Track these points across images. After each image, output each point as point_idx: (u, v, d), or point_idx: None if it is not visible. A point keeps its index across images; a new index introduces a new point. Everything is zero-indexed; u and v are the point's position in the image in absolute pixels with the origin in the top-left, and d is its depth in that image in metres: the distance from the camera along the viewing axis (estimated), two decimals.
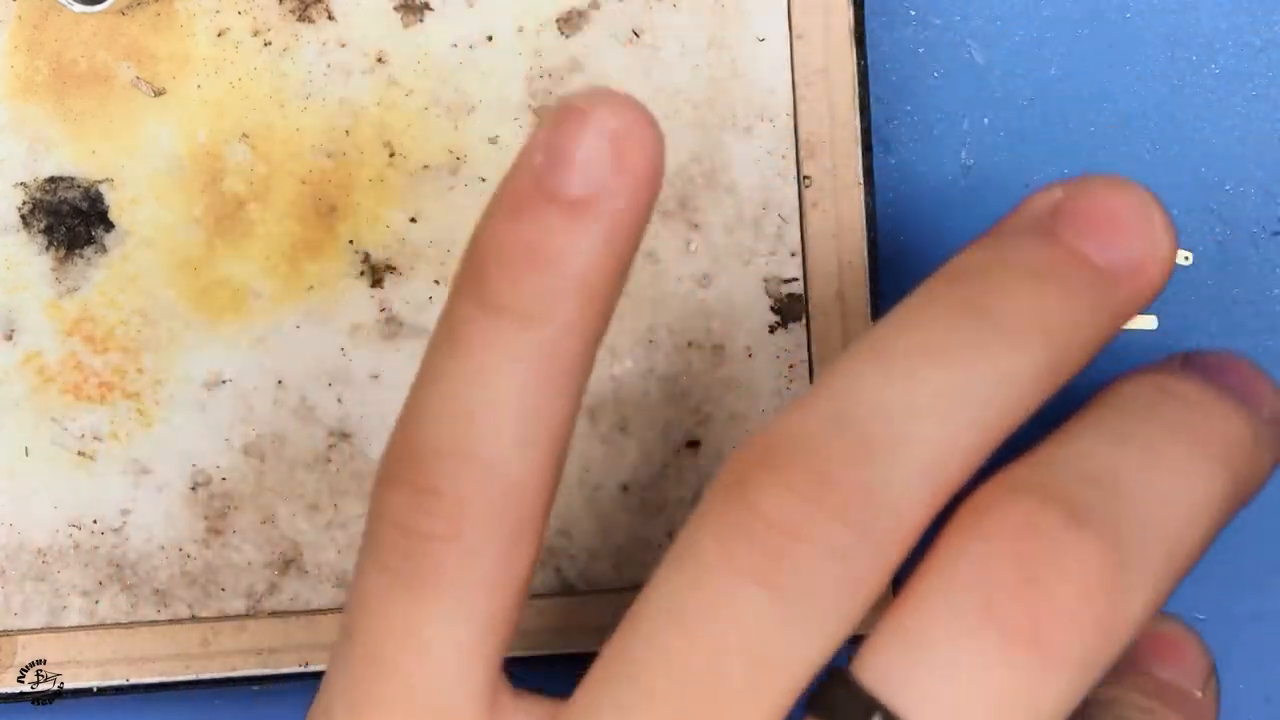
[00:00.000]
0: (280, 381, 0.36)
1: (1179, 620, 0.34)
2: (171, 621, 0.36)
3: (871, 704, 0.25)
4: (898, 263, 0.38)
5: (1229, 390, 0.28)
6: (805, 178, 0.36)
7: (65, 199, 0.36)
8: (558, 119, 0.27)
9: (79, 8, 0.35)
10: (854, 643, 0.26)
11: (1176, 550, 0.27)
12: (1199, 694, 0.33)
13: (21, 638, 0.36)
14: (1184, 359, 0.29)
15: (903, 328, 0.27)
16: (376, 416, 0.36)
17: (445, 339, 0.28)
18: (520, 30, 0.36)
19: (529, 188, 0.27)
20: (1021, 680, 0.25)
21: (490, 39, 0.36)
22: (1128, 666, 0.34)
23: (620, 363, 0.36)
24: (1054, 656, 0.25)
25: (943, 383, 0.26)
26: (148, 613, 0.36)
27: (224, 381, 0.36)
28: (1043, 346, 0.27)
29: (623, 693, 0.26)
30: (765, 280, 0.36)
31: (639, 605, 0.26)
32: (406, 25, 0.36)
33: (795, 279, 0.36)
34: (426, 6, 0.36)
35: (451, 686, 0.27)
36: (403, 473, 0.27)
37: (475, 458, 0.27)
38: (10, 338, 0.36)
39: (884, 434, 0.26)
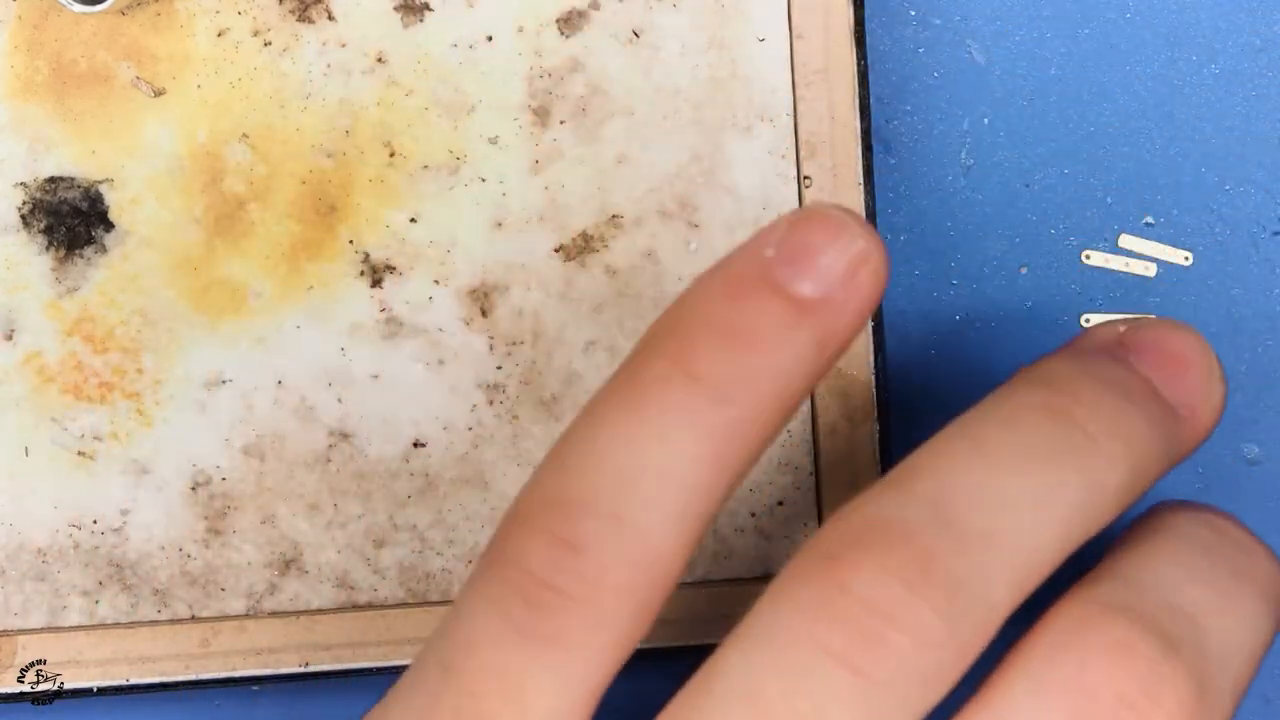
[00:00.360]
0: (280, 381, 0.36)
1: None
2: (171, 621, 0.36)
3: None
4: (898, 263, 0.38)
5: (1263, 542, 0.30)
6: (805, 178, 0.36)
7: (65, 199, 0.36)
8: (803, 221, 0.27)
9: (79, 8, 0.35)
10: None
11: (1239, 685, 0.28)
12: None
13: (21, 638, 0.36)
14: (1200, 507, 0.30)
15: (1000, 425, 0.27)
16: (376, 416, 0.36)
17: (626, 390, 0.27)
18: (520, 30, 0.36)
19: (756, 274, 0.27)
20: None
21: (490, 39, 0.36)
22: None
23: (620, 362, 0.36)
24: None
25: (1038, 483, 0.27)
26: (148, 613, 0.36)
27: (224, 381, 0.36)
28: (1128, 462, 0.28)
29: None
30: None
31: (713, 670, 0.26)
32: (406, 25, 0.36)
33: None
34: (426, 6, 0.36)
35: None
36: (548, 519, 0.26)
37: (629, 523, 0.26)
38: (10, 338, 0.36)
39: (978, 525, 0.26)
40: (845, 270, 0.27)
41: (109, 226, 0.36)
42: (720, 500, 0.27)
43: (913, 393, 0.38)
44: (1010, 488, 0.26)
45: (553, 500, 0.26)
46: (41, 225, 0.36)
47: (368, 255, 0.36)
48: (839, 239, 0.27)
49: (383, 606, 0.36)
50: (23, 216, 0.36)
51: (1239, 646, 0.28)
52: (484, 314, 0.36)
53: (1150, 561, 0.28)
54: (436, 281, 0.36)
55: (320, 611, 0.36)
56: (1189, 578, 0.28)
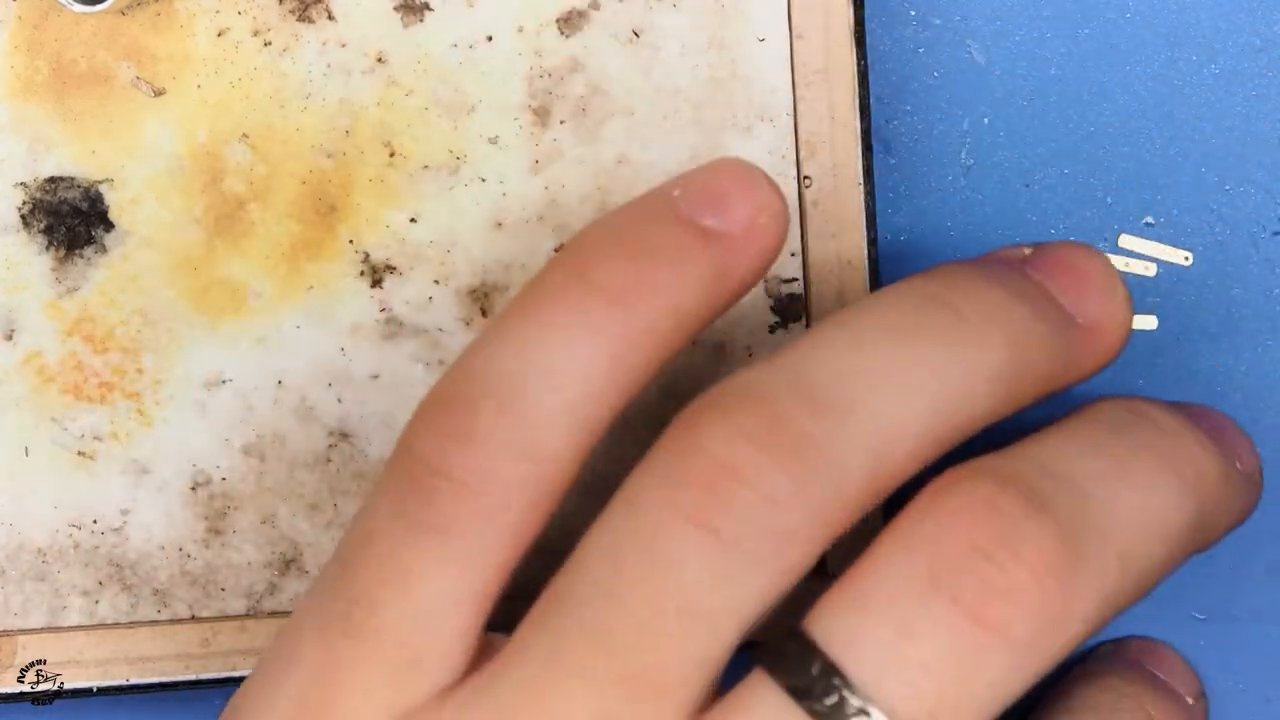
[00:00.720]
0: (280, 381, 0.36)
1: (1169, 646, 0.35)
2: (171, 621, 0.36)
3: (818, 658, 0.26)
4: (898, 263, 0.38)
5: (1201, 428, 0.29)
6: (805, 178, 0.36)
7: (65, 199, 0.36)
8: (711, 169, 0.28)
9: (79, 8, 0.36)
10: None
11: (1134, 561, 0.27)
12: (1190, 701, 0.33)
13: (21, 638, 0.36)
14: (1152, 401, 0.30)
15: (872, 308, 0.28)
16: (376, 416, 0.36)
17: (526, 300, 0.28)
18: (520, 30, 0.36)
19: (662, 205, 0.28)
20: (963, 651, 0.25)
21: (490, 39, 0.36)
22: (1119, 658, 0.34)
23: None
24: (999, 632, 0.26)
25: (902, 358, 0.27)
26: (148, 613, 0.36)
27: (224, 381, 0.36)
28: (1004, 350, 0.28)
29: (556, 632, 0.26)
30: (765, 280, 0.36)
31: (582, 544, 0.27)
32: (406, 25, 0.36)
33: (795, 279, 0.36)
34: (426, 6, 0.36)
35: (428, 639, 0.27)
36: (444, 414, 0.27)
37: (519, 417, 0.27)
38: (10, 338, 0.36)
39: (837, 396, 0.26)
40: (748, 214, 0.28)
41: (109, 226, 0.36)
42: (612, 407, 0.28)
43: None
44: (872, 361, 0.27)
45: (448, 398, 0.27)
46: (41, 225, 0.36)
47: (368, 255, 0.36)
48: (744, 186, 0.28)
49: None
50: (23, 216, 0.36)
51: (1137, 516, 0.27)
52: (484, 314, 0.36)
53: (1045, 437, 0.28)
54: (436, 281, 0.36)
55: None
56: (1084, 450, 0.28)
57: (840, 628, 0.26)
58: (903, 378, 0.27)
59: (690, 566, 0.25)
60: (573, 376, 0.27)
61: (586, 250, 0.28)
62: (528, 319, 0.28)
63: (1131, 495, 0.27)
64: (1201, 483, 0.28)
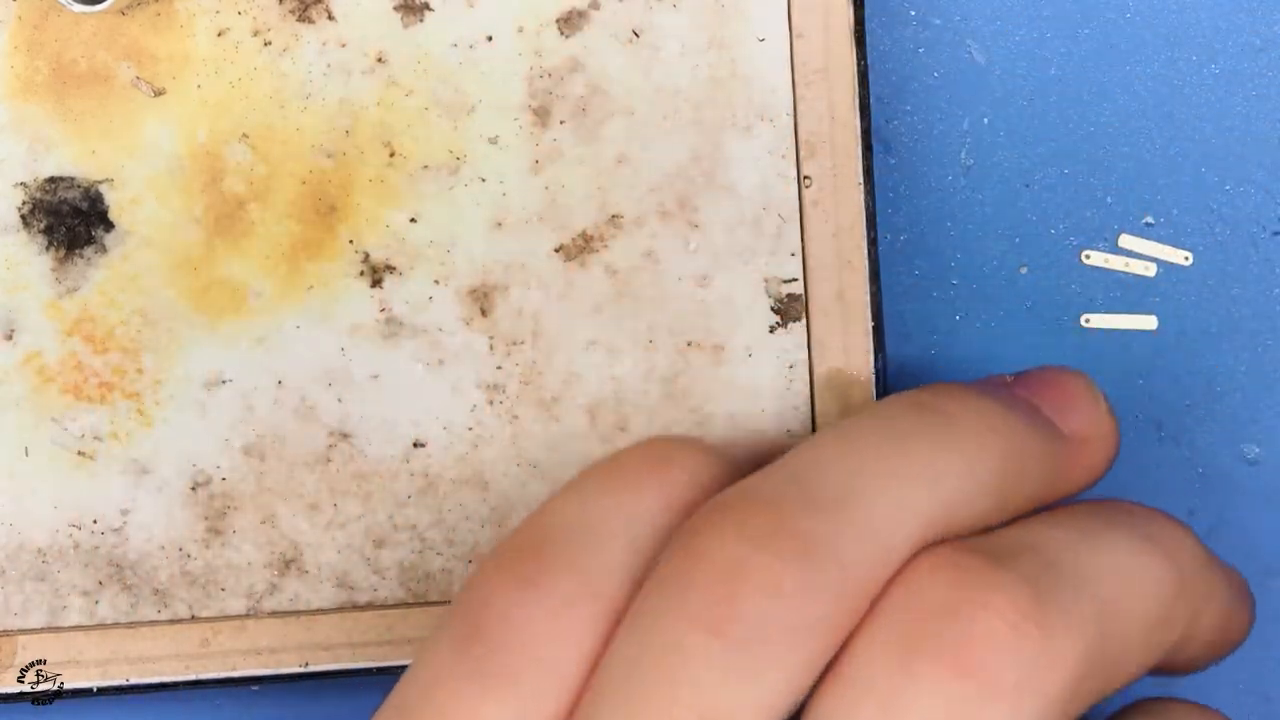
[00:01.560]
0: (280, 381, 0.36)
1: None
2: (171, 621, 0.36)
3: None
4: (898, 263, 0.38)
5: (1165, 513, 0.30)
6: (805, 178, 0.36)
7: (65, 199, 0.36)
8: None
9: (79, 8, 0.35)
10: None
11: (1114, 616, 0.27)
12: None
13: (21, 638, 0.36)
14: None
15: (866, 415, 0.29)
16: (376, 416, 0.36)
17: (612, 471, 0.29)
18: (520, 30, 0.36)
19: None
20: (956, 705, 0.26)
21: (490, 39, 0.36)
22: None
23: (620, 363, 0.36)
24: (988, 680, 0.26)
25: (894, 457, 0.28)
26: (148, 613, 0.36)
27: (224, 381, 0.36)
28: (995, 453, 0.29)
29: None
30: (765, 280, 0.36)
31: (602, 663, 0.27)
32: (406, 25, 0.36)
33: (795, 279, 0.36)
34: (426, 6, 0.36)
35: None
36: (517, 561, 0.27)
37: (587, 570, 0.27)
38: (10, 338, 0.36)
39: (833, 494, 0.27)
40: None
41: (109, 226, 0.36)
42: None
43: None
44: (865, 460, 0.27)
45: (524, 544, 0.28)
46: (41, 225, 0.36)
47: (368, 255, 0.36)
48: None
49: (383, 606, 0.36)
50: (23, 216, 0.36)
51: (1111, 573, 0.28)
52: (484, 314, 0.36)
53: (1018, 522, 0.29)
54: (436, 281, 0.36)
55: (320, 611, 0.36)
56: (1050, 524, 0.28)
57: (831, 712, 0.26)
58: (896, 475, 0.27)
59: (706, 671, 0.26)
60: (636, 523, 0.28)
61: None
62: (610, 479, 0.29)
63: (1102, 557, 0.28)
64: (1181, 553, 0.29)
